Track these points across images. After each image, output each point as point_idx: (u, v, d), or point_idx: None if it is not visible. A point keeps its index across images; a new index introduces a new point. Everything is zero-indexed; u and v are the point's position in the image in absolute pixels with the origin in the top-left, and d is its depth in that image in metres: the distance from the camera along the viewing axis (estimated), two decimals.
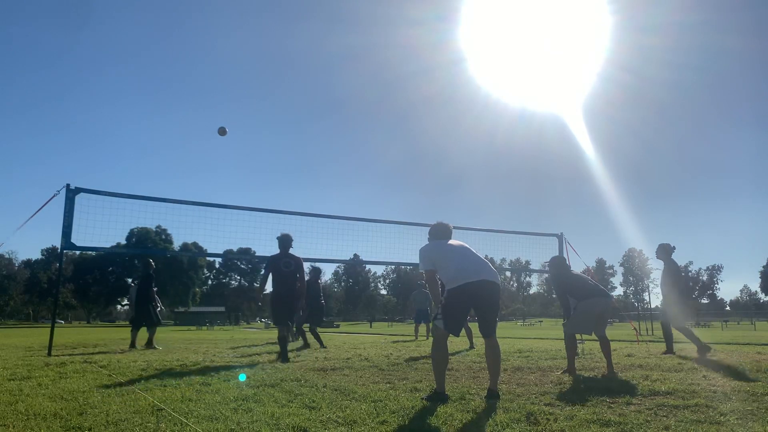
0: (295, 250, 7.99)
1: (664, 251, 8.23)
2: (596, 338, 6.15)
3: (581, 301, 5.95)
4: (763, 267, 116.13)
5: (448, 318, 4.45)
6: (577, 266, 8.79)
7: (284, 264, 7.72)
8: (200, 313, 76.59)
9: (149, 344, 10.68)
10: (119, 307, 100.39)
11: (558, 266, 6.40)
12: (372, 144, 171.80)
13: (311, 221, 11.02)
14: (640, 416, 3.54)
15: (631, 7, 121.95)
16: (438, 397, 4.26)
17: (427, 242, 4.92)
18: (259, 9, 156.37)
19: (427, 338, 14.08)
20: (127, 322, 13.33)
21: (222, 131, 9.22)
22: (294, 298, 7.75)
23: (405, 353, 8.59)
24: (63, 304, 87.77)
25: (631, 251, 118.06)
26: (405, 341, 13.35)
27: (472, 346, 9.51)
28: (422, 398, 4.25)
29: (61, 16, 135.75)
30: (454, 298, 4.45)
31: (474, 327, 9.09)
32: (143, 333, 11.28)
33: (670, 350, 8.00)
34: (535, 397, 4.27)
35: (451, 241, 4.83)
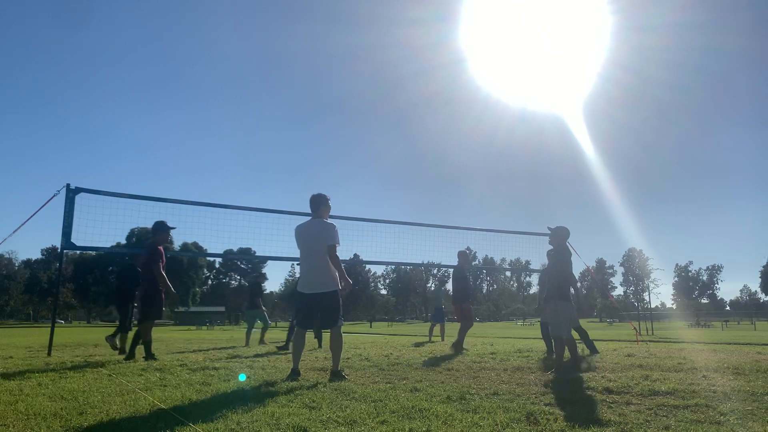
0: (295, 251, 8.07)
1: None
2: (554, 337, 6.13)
3: (565, 302, 5.95)
4: (763, 267, 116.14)
5: (297, 314, 5.63)
6: (577, 266, 8.68)
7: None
8: (200, 313, 76.61)
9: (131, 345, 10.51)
10: None
11: (564, 238, 6.13)
12: (372, 144, 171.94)
13: None
14: (640, 416, 3.54)
15: (631, 7, 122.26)
16: (293, 373, 5.39)
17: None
18: (259, 9, 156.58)
19: (442, 340, 13.07)
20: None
21: None
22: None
23: (405, 353, 8.58)
24: (63, 304, 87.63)
25: (631, 251, 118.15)
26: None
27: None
28: (284, 379, 5.16)
29: (61, 14, 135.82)
30: (298, 298, 5.56)
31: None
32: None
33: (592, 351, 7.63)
34: (535, 397, 4.27)
35: (308, 226, 5.53)
